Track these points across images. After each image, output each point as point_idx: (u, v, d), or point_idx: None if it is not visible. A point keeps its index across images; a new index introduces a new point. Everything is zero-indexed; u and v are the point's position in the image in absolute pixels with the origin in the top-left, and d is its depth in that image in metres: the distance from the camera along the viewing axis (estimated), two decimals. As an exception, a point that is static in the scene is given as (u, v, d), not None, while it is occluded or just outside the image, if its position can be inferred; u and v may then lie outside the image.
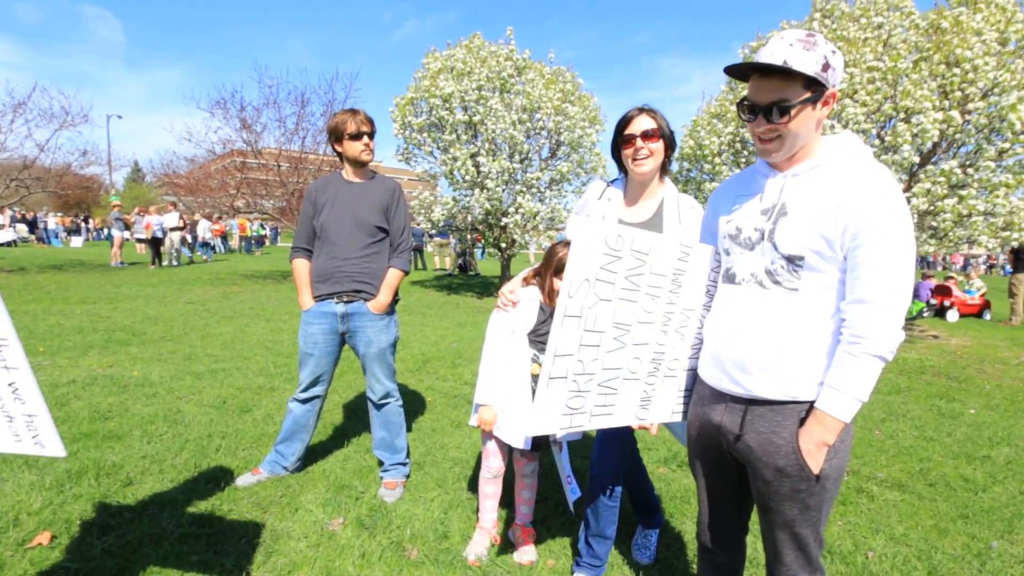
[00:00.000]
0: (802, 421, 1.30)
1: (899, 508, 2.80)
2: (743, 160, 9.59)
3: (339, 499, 2.61)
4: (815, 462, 1.27)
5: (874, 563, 2.29)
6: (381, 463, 2.83)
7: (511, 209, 10.55)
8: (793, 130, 1.27)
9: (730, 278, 1.44)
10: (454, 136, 10.44)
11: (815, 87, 1.24)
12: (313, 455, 3.05)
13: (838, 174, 1.26)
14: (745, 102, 1.32)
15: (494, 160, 10.17)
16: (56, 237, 24.80)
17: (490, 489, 2.35)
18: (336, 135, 2.63)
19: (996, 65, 6.77)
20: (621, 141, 1.86)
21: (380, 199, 2.67)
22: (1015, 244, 7.82)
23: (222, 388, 4.23)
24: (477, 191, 10.41)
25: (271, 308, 8.41)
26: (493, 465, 2.32)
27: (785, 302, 1.30)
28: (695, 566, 2.22)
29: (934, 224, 7.48)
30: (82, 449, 2.98)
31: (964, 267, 30.50)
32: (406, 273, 2.76)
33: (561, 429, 1.49)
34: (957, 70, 6.84)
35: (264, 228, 27.86)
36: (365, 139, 2.63)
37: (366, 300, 2.64)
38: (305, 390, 2.73)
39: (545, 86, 10.42)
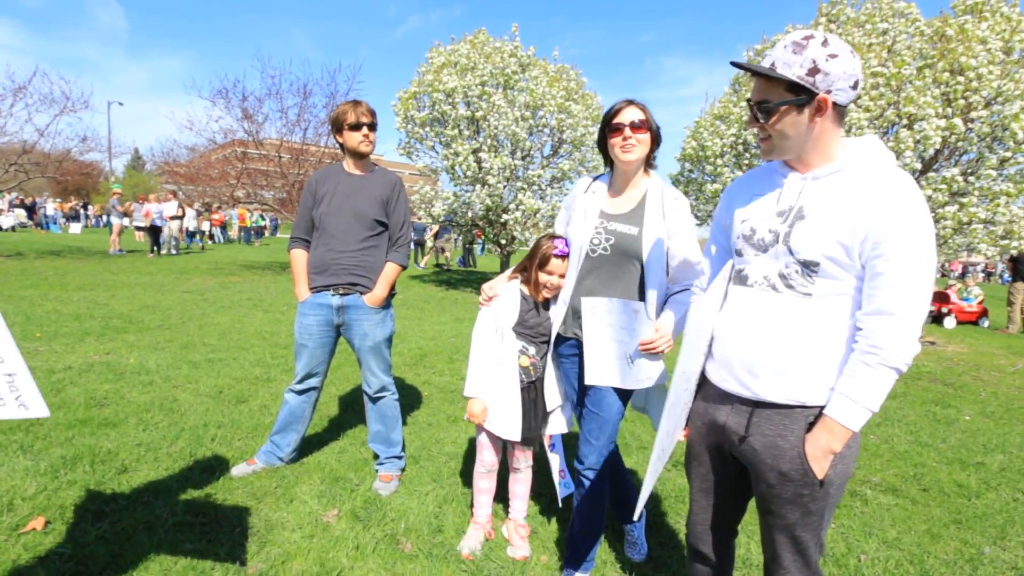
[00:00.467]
0: (810, 426, 1.28)
1: (892, 512, 2.81)
2: (745, 162, 9.59)
3: (334, 491, 2.61)
4: (820, 468, 1.26)
5: (866, 566, 2.30)
6: (376, 456, 2.83)
7: (512, 206, 10.54)
8: (779, 131, 1.26)
9: (741, 280, 1.41)
10: (456, 131, 10.42)
11: (799, 91, 1.21)
12: (309, 447, 3.05)
13: (859, 180, 1.23)
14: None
15: (496, 156, 10.15)
16: (55, 223, 24.72)
17: (484, 484, 2.36)
18: (337, 125, 2.63)
19: (1000, 74, 6.77)
20: (609, 130, 1.88)
21: (380, 192, 2.66)
22: (1014, 252, 7.85)
23: (219, 378, 4.22)
24: (478, 187, 10.40)
25: (269, 299, 8.40)
26: (487, 459, 2.33)
27: (797, 307, 1.28)
28: (686, 564, 2.23)
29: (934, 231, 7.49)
30: (77, 435, 2.98)
31: (962, 274, 30.57)
32: (404, 268, 2.75)
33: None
34: (961, 78, 6.84)
35: (264, 219, 27.79)
36: (365, 130, 2.61)
37: (362, 293, 2.63)
38: (301, 381, 2.73)
39: (549, 84, 10.40)
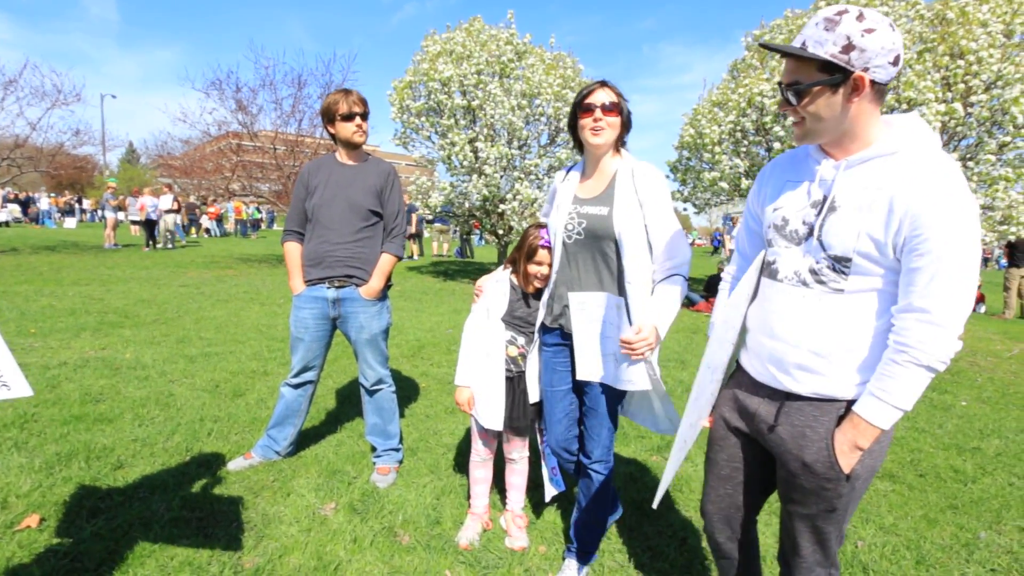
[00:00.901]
0: (840, 420, 1.25)
1: (889, 498, 2.82)
2: (743, 150, 9.54)
3: (331, 484, 2.60)
4: (847, 463, 1.23)
5: (863, 552, 2.31)
6: (374, 449, 2.83)
7: (509, 196, 10.48)
8: (813, 114, 1.19)
9: (771, 274, 1.35)
10: (452, 121, 10.32)
11: (833, 70, 1.14)
12: (306, 440, 3.04)
13: (895, 167, 1.15)
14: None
15: (492, 146, 10.07)
16: (49, 218, 24.58)
17: (480, 473, 2.36)
18: (328, 116, 2.58)
19: (1000, 57, 6.71)
20: (580, 112, 1.85)
21: (374, 182, 2.63)
22: (1012, 238, 7.83)
23: (215, 372, 4.21)
24: (475, 177, 10.33)
25: (266, 292, 8.37)
26: (481, 448, 2.33)
27: (828, 303, 1.23)
28: (685, 553, 2.23)
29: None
30: (72, 432, 2.96)
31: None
32: (400, 259, 2.73)
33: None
34: (961, 62, 6.78)
35: (260, 212, 27.67)
36: (357, 120, 2.57)
37: (358, 285, 2.61)
38: (297, 375, 2.71)
39: (545, 71, 10.29)
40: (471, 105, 10.21)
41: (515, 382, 2.19)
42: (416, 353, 5.27)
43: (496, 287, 2.19)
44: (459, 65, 10.07)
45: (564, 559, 2.12)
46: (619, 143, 1.91)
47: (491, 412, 2.17)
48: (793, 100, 1.21)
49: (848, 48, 1.12)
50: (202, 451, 2.86)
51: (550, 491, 2.28)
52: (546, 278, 2.05)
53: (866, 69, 1.13)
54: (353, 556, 2.09)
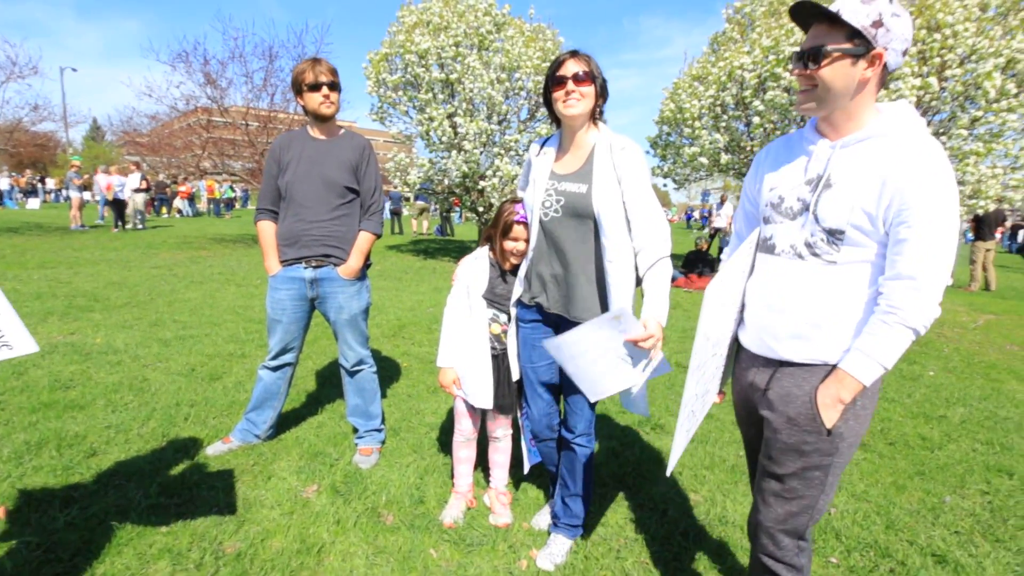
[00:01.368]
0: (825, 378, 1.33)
1: (860, 467, 2.91)
2: (723, 124, 9.53)
3: (313, 466, 2.58)
4: (829, 417, 1.29)
5: (836, 519, 2.38)
6: (356, 430, 2.81)
7: (489, 172, 10.35)
8: (827, 80, 1.24)
9: (768, 248, 1.43)
10: (430, 95, 10.09)
11: (859, 40, 1.20)
12: (286, 422, 3.00)
13: (886, 148, 1.24)
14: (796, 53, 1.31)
15: (472, 121, 9.89)
16: (11, 198, 23.56)
17: (464, 453, 2.36)
18: (296, 86, 2.48)
19: (975, 31, 6.77)
20: (552, 84, 1.80)
21: (349, 157, 2.54)
22: (980, 212, 8.03)
23: (190, 355, 4.12)
24: (454, 153, 10.16)
25: (242, 273, 8.19)
26: (465, 427, 2.32)
27: (823, 274, 1.31)
28: (666, 525, 2.28)
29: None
30: (42, 419, 2.88)
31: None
32: (378, 236, 2.66)
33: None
34: (937, 35, 6.82)
35: (234, 190, 26.90)
36: (325, 90, 2.45)
37: (336, 265, 2.55)
38: (275, 357, 2.66)
39: (525, 44, 10.09)
40: (449, 79, 9.98)
41: (500, 360, 2.18)
42: (397, 333, 5.23)
43: (475, 264, 2.16)
44: (436, 36, 9.81)
45: (549, 534, 2.14)
46: (596, 114, 1.86)
47: (480, 390, 2.16)
48: (811, 64, 1.25)
49: (878, 24, 1.19)
50: (179, 436, 2.81)
51: (529, 461, 2.31)
52: (522, 254, 2.03)
53: (885, 49, 1.21)
54: (336, 538, 2.08)
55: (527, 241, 1.99)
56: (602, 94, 1.83)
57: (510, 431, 2.39)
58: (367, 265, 2.68)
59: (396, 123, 11.23)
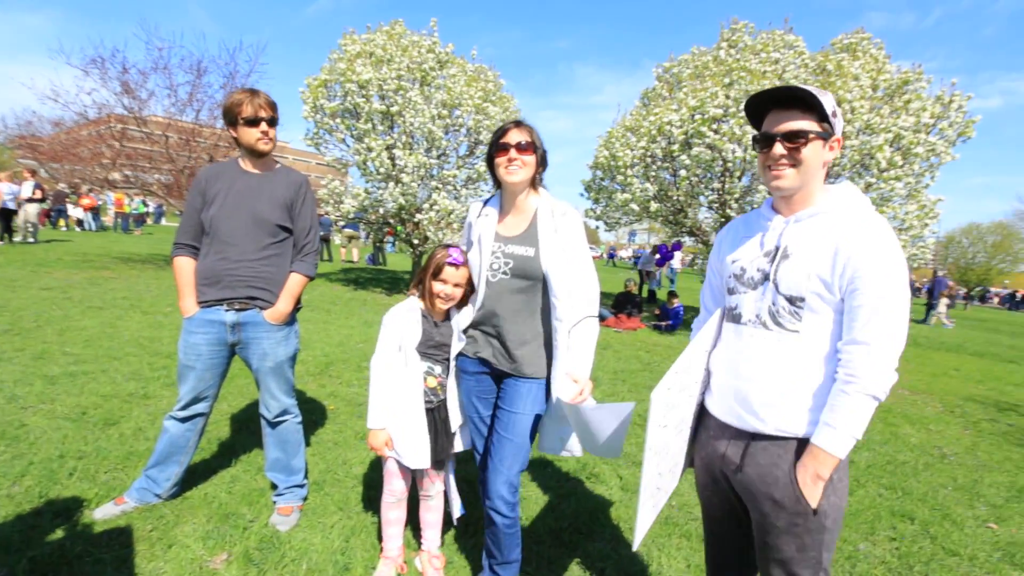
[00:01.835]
0: (799, 456, 1.35)
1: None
2: (652, 174, 10.08)
3: (223, 530, 2.31)
4: (812, 496, 1.31)
5: (764, 573, 2.43)
6: (274, 486, 2.57)
7: (425, 205, 10.27)
8: (807, 159, 1.34)
9: (735, 318, 1.49)
10: (370, 125, 9.95)
11: (827, 125, 1.34)
12: (193, 476, 2.69)
13: (837, 221, 1.33)
14: (758, 137, 1.41)
15: (411, 154, 9.82)
16: None
17: (394, 515, 2.21)
18: (229, 118, 2.31)
19: (868, 109, 7.66)
20: (496, 151, 1.90)
21: (283, 194, 2.40)
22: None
23: (81, 395, 3.65)
24: (391, 184, 10.01)
25: (150, 298, 7.50)
26: (396, 488, 2.18)
27: (787, 344, 1.36)
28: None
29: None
30: None
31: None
32: (311, 279, 2.51)
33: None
34: (839, 109, 7.66)
35: (146, 205, 24.95)
36: (264, 126, 2.32)
37: (262, 308, 2.36)
38: (185, 407, 2.40)
39: (467, 83, 10.24)
40: (390, 111, 9.91)
41: (435, 412, 2.10)
42: (323, 371, 4.94)
43: (408, 316, 2.09)
44: (379, 69, 9.75)
45: (482, 602, 2.03)
46: (536, 181, 1.96)
47: (415, 450, 2.05)
48: (789, 146, 1.35)
49: (833, 114, 1.35)
50: (60, 496, 2.44)
51: (456, 512, 2.23)
52: (450, 297, 2.04)
53: (835, 134, 1.37)
54: (247, 618, 1.85)
55: (456, 285, 2.02)
56: (542, 163, 1.94)
57: (442, 487, 2.27)
58: (297, 308, 2.51)
59: (332, 150, 10.94)
